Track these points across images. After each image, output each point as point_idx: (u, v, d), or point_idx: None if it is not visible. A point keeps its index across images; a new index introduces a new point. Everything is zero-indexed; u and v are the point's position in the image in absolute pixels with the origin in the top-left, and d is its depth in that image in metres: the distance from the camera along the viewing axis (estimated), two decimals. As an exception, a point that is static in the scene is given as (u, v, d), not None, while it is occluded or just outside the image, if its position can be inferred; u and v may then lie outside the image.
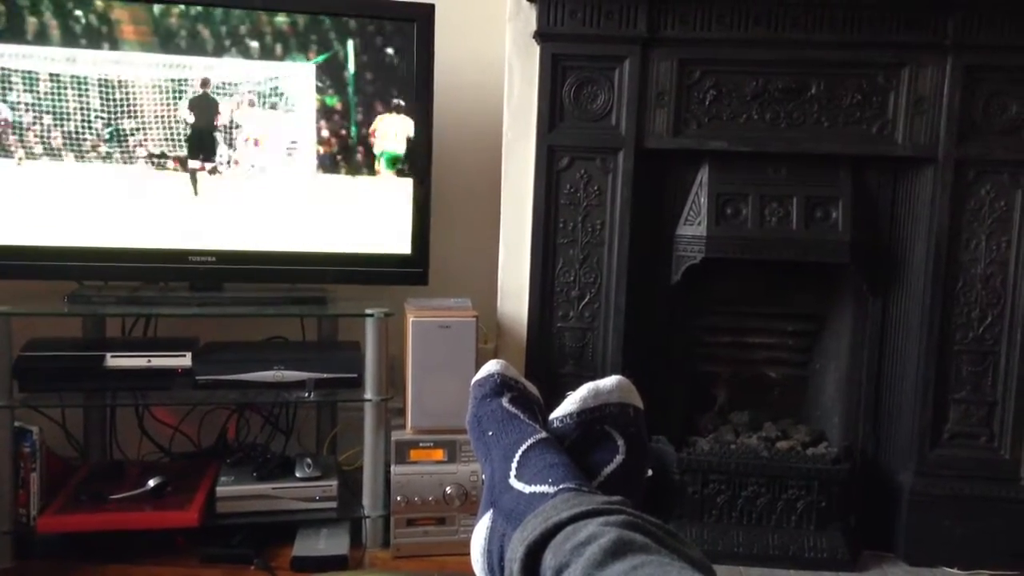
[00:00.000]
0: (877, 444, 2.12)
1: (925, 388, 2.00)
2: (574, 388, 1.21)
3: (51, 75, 1.89)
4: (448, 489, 1.94)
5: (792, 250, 2.00)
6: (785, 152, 1.99)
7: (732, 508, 2.01)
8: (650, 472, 1.89)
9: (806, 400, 2.27)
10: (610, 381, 1.17)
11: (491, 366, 1.26)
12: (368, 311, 1.95)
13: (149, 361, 1.92)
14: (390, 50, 2.03)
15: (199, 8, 1.94)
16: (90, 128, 1.92)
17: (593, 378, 1.19)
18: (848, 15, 1.92)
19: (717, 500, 2.01)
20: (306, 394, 1.97)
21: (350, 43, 2.01)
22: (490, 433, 1.14)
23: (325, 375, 1.97)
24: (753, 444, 2.08)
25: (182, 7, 1.93)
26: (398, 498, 1.94)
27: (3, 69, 1.87)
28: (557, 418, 1.16)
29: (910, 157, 1.98)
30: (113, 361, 1.90)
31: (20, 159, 1.90)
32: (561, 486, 1.00)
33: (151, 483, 1.93)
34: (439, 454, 1.96)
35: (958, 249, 1.98)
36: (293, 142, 2.01)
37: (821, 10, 1.92)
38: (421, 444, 1.96)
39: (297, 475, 1.98)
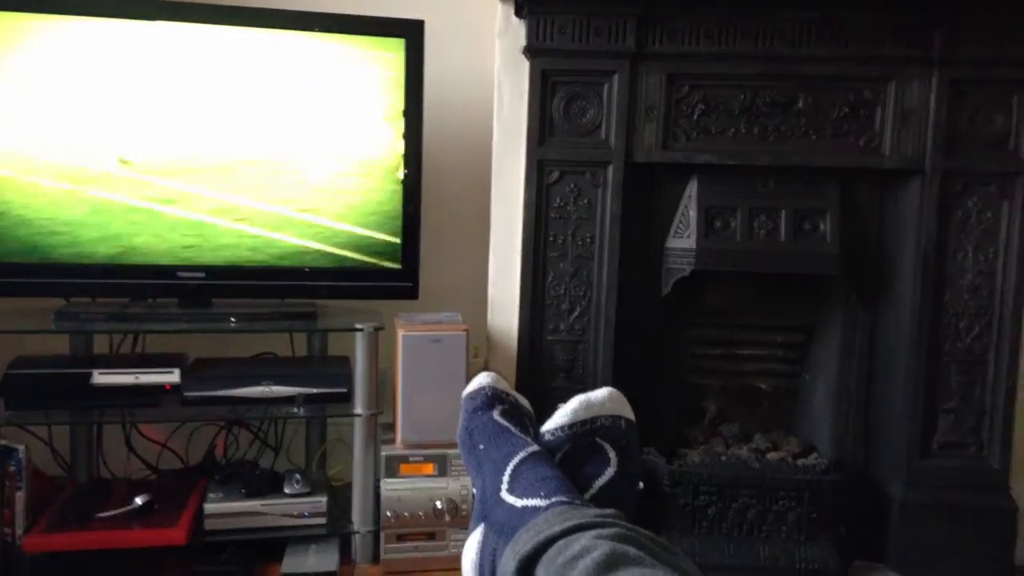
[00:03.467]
0: (867, 455, 2.12)
1: (914, 398, 2.01)
2: (565, 401, 1.21)
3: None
4: (438, 504, 1.93)
5: (781, 262, 2.01)
6: (773, 165, 2.00)
7: (723, 519, 2.01)
8: (641, 484, 1.89)
9: (796, 411, 2.27)
10: (601, 393, 1.18)
11: (482, 379, 1.26)
12: (358, 325, 1.95)
13: (137, 378, 1.91)
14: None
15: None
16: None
17: (584, 391, 1.19)
18: (835, 30, 1.93)
19: (708, 511, 2.01)
20: (295, 409, 1.96)
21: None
22: (481, 446, 1.14)
23: (314, 390, 1.96)
24: (743, 455, 2.09)
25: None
26: (388, 513, 1.93)
27: None
28: (548, 431, 1.16)
29: (897, 170, 1.99)
30: (100, 378, 1.88)
31: None
32: (553, 499, 1.00)
33: (138, 501, 1.91)
34: (429, 468, 1.95)
35: (945, 260, 1.99)
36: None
37: (808, 25, 1.93)
38: (411, 459, 1.95)
39: (286, 491, 1.97)
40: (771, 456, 2.09)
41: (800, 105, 1.98)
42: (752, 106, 1.99)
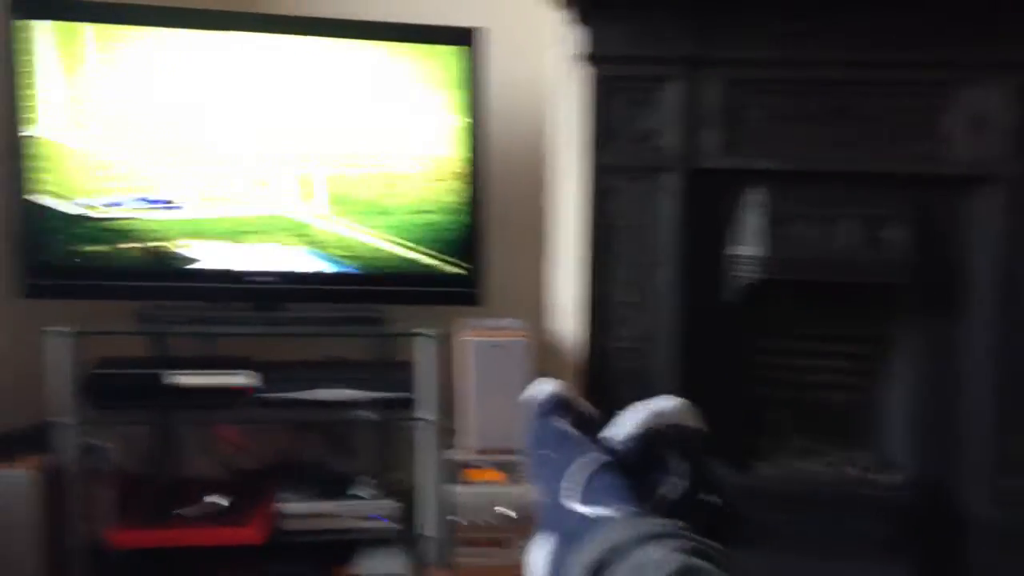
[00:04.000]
0: (946, 471, 2.05)
1: (997, 413, 1.95)
2: (627, 409, 1.21)
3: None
4: (504, 510, 1.95)
5: (850, 271, 1.97)
6: (841, 171, 1.97)
7: (793, 536, 1.97)
8: (714, 498, 1.87)
9: (871, 425, 2.22)
10: (671, 402, 1.18)
11: (548, 386, 1.27)
12: (424, 331, 1.98)
13: (213, 379, 1.97)
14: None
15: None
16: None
17: (646, 399, 1.20)
18: (901, 33, 1.90)
19: (778, 528, 1.97)
20: (365, 413, 2.00)
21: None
22: (547, 453, 1.15)
23: (381, 394, 2.00)
24: (816, 470, 2.05)
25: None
26: (455, 518, 1.95)
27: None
28: (614, 438, 1.17)
29: (969, 175, 1.94)
30: (179, 379, 1.95)
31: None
32: (620, 508, 1.01)
33: (215, 500, 1.98)
34: (495, 474, 1.97)
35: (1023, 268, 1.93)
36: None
37: (874, 29, 1.90)
38: (477, 464, 1.98)
39: (357, 494, 2.01)
40: (845, 471, 2.05)
41: (868, 110, 1.95)
42: (817, 111, 1.96)
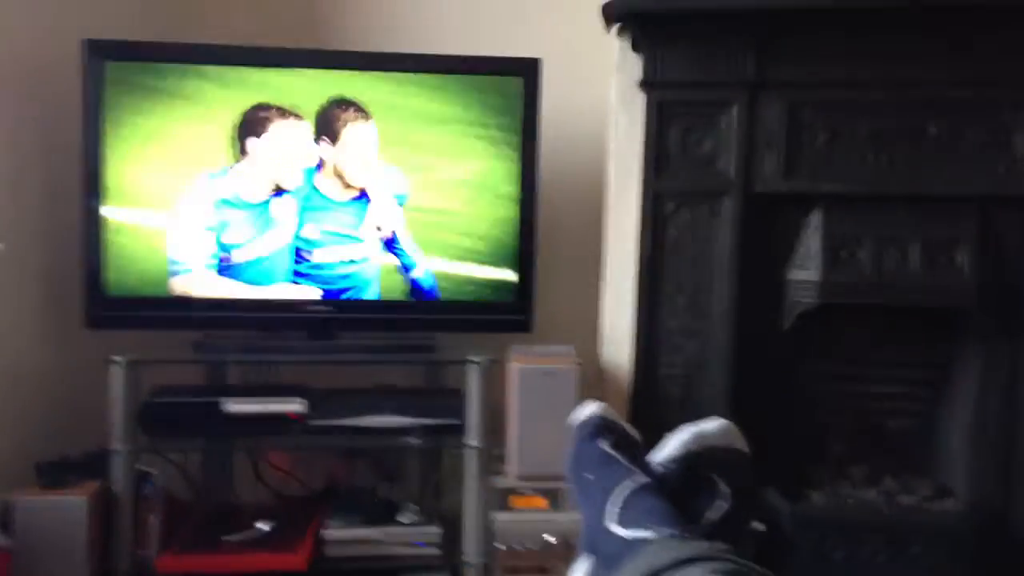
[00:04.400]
0: (1008, 501, 1.97)
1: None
2: (674, 431, 1.17)
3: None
4: (550, 537, 1.91)
5: (912, 294, 1.91)
6: (904, 194, 1.92)
7: (849, 566, 1.91)
8: (762, 527, 1.81)
9: (929, 452, 2.13)
10: (714, 424, 1.14)
11: (591, 408, 1.24)
12: (472, 358, 1.97)
13: (265, 407, 1.98)
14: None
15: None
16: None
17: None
18: (967, 52, 1.85)
19: (832, 557, 1.91)
20: (411, 440, 1.99)
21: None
22: (588, 475, 1.12)
23: (430, 421, 1.99)
24: (872, 498, 1.98)
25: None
26: (500, 545, 1.92)
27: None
28: (658, 461, 1.13)
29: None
30: (231, 407, 1.97)
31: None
32: (662, 531, 0.97)
33: (262, 526, 1.98)
34: (541, 502, 1.94)
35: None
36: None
37: (937, 48, 1.86)
38: (523, 491, 1.95)
39: (402, 521, 1.99)
40: (902, 500, 1.97)
41: (932, 131, 1.90)
42: (880, 133, 1.91)
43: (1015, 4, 1.83)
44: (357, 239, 2.08)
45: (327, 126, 2.04)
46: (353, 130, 2.05)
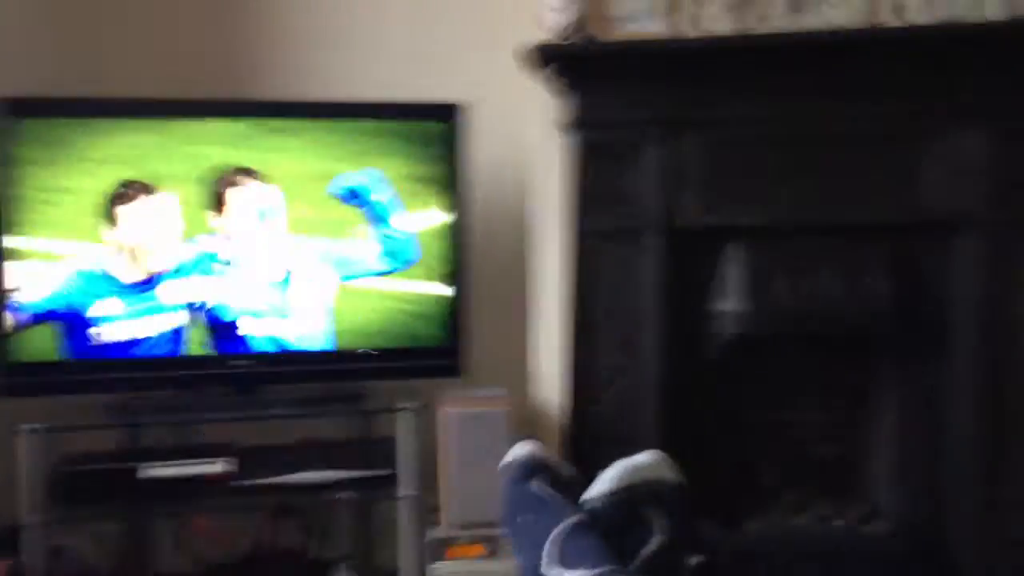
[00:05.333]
0: (936, 519, 2.00)
1: (981, 458, 1.92)
2: (608, 467, 1.16)
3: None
4: (488, 587, 1.87)
5: (831, 321, 1.96)
6: (818, 224, 1.97)
7: (784, 593, 1.91)
8: (697, 557, 1.80)
9: (857, 476, 2.16)
10: (644, 456, 1.14)
11: (519, 448, 1.22)
12: (401, 405, 1.93)
13: (185, 469, 1.91)
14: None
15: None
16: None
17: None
18: (877, 85, 1.92)
19: (769, 585, 1.91)
20: (343, 494, 1.93)
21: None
22: (519, 519, 1.10)
23: (361, 473, 1.94)
24: (804, 524, 1.99)
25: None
26: (439, 598, 1.87)
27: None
28: (591, 498, 1.12)
29: (947, 222, 1.94)
30: (150, 471, 1.88)
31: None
32: (599, 568, 0.95)
33: (188, 594, 1.89)
34: (479, 549, 1.89)
35: (1006, 313, 1.92)
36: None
37: (846, 82, 1.92)
38: (461, 540, 1.90)
39: (335, 579, 1.93)
40: (835, 523, 1.99)
41: (844, 162, 1.95)
42: (793, 165, 1.96)
43: (920, 39, 1.91)
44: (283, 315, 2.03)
45: (215, 194, 1.99)
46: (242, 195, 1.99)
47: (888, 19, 1.93)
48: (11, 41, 2.19)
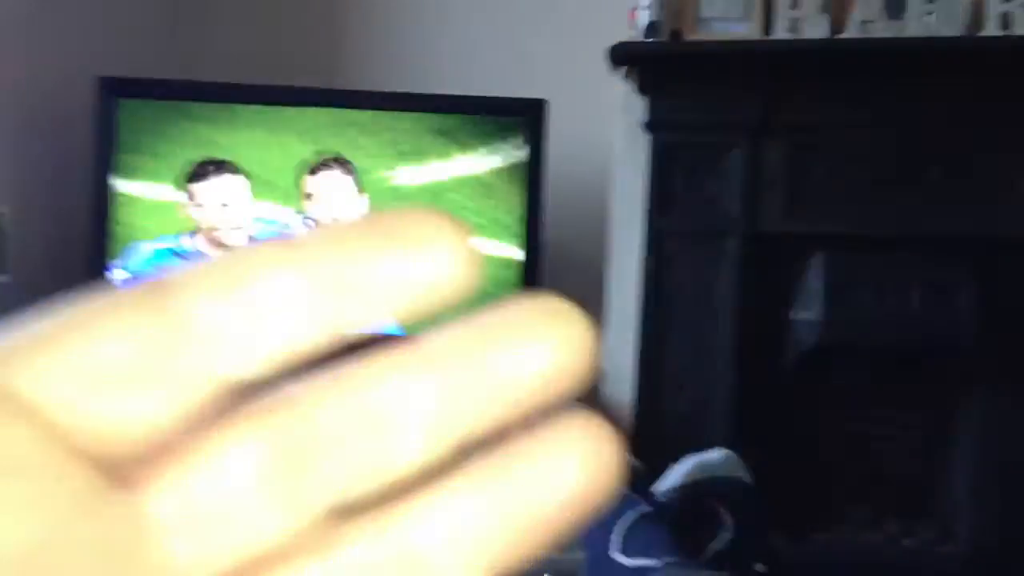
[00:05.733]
0: (1010, 545, 1.94)
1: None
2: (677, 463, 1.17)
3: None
4: None
5: (912, 336, 1.91)
6: (904, 235, 1.93)
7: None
8: (764, 568, 1.79)
9: (932, 494, 2.11)
10: (716, 454, 1.14)
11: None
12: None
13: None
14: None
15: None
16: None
17: (697, 454, 1.15)
18: (967, 94, 1.87)
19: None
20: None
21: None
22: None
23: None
24: (874, 541, 1.95)
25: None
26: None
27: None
28: (661, 491, 1.12)
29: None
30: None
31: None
32: (663, 559, 0.96)
33: None
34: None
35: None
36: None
37: (939, 92, 1.88)
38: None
39: None
40: (905, 543, 1.95)
41: (933, 173, 1.91)
42: (881, 174, 1.93)
43: (1015, 51, 1.85)
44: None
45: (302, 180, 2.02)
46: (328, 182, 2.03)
47: (993, 30, 1.87)
48: (121, 19, 2.29)
